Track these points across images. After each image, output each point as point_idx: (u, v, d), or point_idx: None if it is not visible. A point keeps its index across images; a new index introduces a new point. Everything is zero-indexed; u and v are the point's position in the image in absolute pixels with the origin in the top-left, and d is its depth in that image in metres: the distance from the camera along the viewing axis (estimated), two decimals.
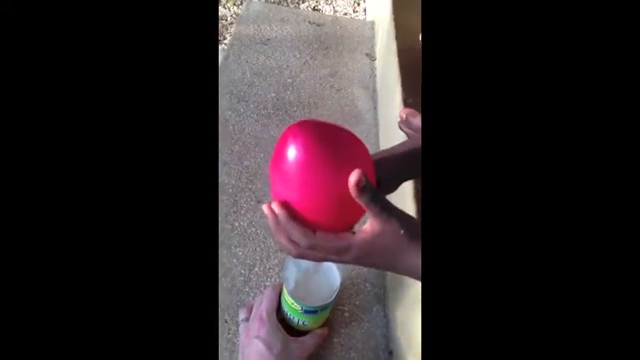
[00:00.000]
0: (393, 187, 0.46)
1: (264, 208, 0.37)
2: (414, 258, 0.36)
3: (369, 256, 0.36)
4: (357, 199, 0.34)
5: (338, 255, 0.36)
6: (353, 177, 0.34)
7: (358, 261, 0.37)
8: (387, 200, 0.36)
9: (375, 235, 0.36)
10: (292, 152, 0.34)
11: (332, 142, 0.35)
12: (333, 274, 0.58)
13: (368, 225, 0.37)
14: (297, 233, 0.36)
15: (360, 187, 0.34)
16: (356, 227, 0.39)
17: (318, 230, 0.36)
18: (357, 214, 0.37)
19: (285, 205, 0.36)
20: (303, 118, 0.95)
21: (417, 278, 0.40)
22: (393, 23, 0.96)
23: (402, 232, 0.35)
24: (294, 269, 0.58)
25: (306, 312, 0.60)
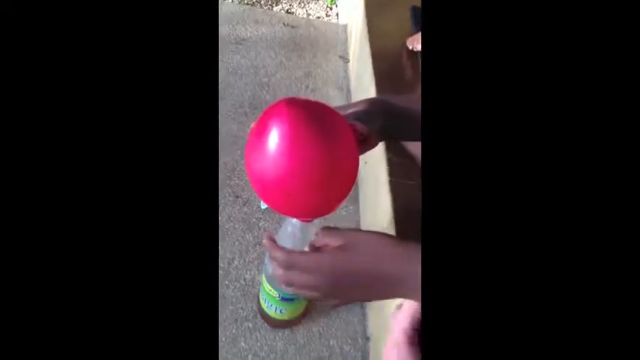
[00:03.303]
0: (375, 143, 0.46)
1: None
2: (407, 262, 0.36)
3: (359, 253, 0.37)
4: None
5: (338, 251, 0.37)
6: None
7: (351, 263, 0.37)
8: None
9: (365, 236, 0.38)
10: (279, 129, 0.35)
11: (318, 117, 0.37)
12: None
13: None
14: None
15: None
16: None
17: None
18: (345, 190, 0.40)
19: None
20: None
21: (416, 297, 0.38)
22: (366, 27, 1.00)
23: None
24: None
25: (284, 299, 0.62)
